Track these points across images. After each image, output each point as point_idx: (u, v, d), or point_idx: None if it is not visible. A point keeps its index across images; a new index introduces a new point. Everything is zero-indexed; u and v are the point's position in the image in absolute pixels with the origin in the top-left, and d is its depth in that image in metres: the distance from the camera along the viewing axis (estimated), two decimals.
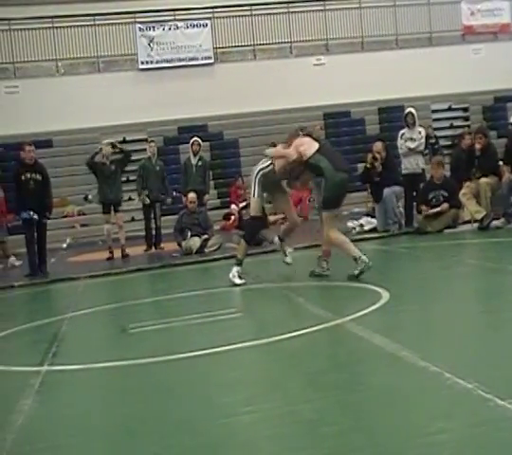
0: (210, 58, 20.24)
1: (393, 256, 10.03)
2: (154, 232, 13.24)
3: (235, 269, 7.98)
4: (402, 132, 12.20)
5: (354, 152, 19.18)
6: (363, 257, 7.29)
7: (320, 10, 20.69)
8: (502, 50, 21.18)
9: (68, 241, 16.64)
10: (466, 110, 21.51)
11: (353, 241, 11.06)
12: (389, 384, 3.80)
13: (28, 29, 19.19)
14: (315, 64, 20.50)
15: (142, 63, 19.96)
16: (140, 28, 19.91)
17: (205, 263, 11.04)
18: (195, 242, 11.97)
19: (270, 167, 8.06)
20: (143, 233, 13.49)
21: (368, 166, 11.98)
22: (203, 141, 14.63)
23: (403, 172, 12.18)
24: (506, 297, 6.14)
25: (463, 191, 11.19)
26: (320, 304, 6.46)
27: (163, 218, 13.55)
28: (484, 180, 11.10)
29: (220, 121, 19.80)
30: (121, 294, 9.25)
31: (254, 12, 20.32)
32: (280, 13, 20.52)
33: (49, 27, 19.37)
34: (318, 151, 7.60)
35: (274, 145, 8.93)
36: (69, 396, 4.47)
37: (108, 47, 19.57)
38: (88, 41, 19.45)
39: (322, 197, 7.81)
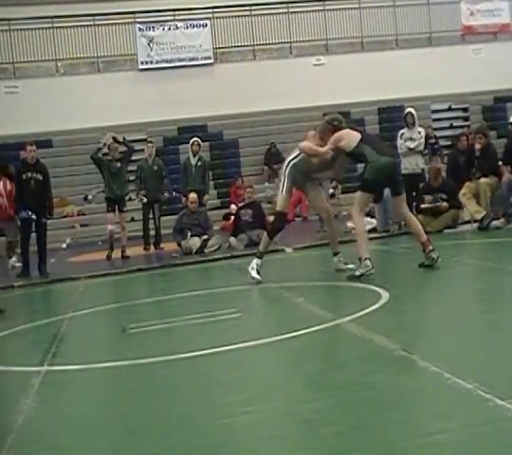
0: (209, 58, 20.26)
1: (393, 256, 10.02)
2: (153, 232, 13.23)
3: (255, 261, 7.85)
4: (402, 132, 12.20)
5: None
6: (368, 262, 7.21)
7: (319, 11, 20.72)
8: (502, 50, 21.20)
9: (68, 241, 16.64)
10: (465, 110, 21.52)
11: (353, 241, 11.13)
12: (389, 384, 3.80)
13: (28, 29, 19.21)
14: (315, 65, 20.51)
15: (142, 63, 19.98)
16: (140, 29, 19.93)
17: (205, 263, 11.04)
18: (195, 242, 11.97)
19: (300, 156, 7.77)
20: (142, 233, 13.46)
21: None
22: (203, 141, 14.63)
23: (402, 172, 12.13)
24: (506, 297, 6.14)
25: (462, 191, 11.19)
26: (321, 304, 6.45)
27: (163, 218, 13.55)
28: (483, 180, 11.10)
29: (220, 121, 19.81)
30: (121, 294, 9.25)
31: (254, 12, 20.34)
32: (280, 13, 20.54)
33: (49, 28, 19.39)
34: (361, 141, 7.37)
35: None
36: (69, 396, 4.47)
37: (108, 48, 19.59)
38: (88, 41, 19.47)
39: (363, 179, 7.55)
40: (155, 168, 13.28)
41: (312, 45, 20.77)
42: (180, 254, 11.90)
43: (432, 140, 18.25)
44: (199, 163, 13.37)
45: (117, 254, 12.48)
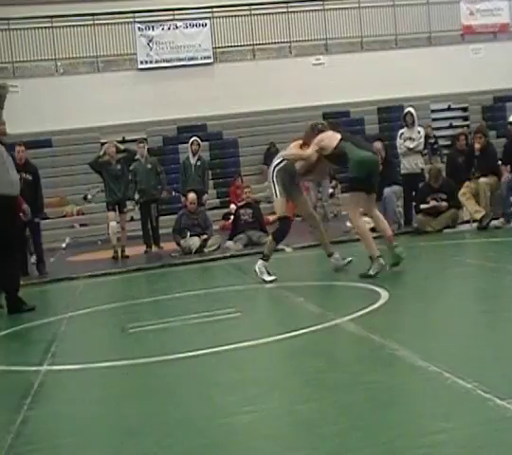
0: (209, 58, 20.26)
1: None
2: (151, 232, 13.19)
3: (260, 263, 7.85)
4: (401, 131, 12.21)
5: None
6: (381, 260, 7.25)
7: (319, 10, 20.71)
8: (502, 50, 21.21)
9: (67, 240, 16.64)
10: (465, 110, 21.53)
11: (352, 241, 11.13)
12: (388, 384, 3.80)
13: (28, 29, 19.20)
14: (314, 64, 20.51)
15: (141, 62, 19.97)
16: (140, 28, 19.93)
17: (204, 262, 11.04)
18: (195, 242, 11.97)
19: (284, 162, 7.83)
20: (141, 233, 13.42)
21: None
22: (202, 141, 14.62)
23: (402, 171, 12.18)
24: (506, 296, 6.15)
25: (462, 190, 11.19)
26: (320, 304, 6.46)
27: (162, 218, 13.52)
28: (483, 180, 11.10)
29: (219, 121, 19.81)
30: (121, 294, 9.25)
31: (253, 12, 20.34)
32: (279, 13, 20.54)
33: (48, 27, 19.38)
34: (341, 140, 7.43)
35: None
36: (69, 396, 4.47)
37: (107, 47, 19.59)
38: (87, 40, 19.46)
39: (350, 179, 7.60)
40: (150, 166, 13.18)
41: (311, 44, 20.78)
42: (179, 254, 11.90)
43: (432, 140, 18.28)
44: (198, 163, 13.36)
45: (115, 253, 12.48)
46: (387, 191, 11.66)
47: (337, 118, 20.22)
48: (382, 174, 11.66)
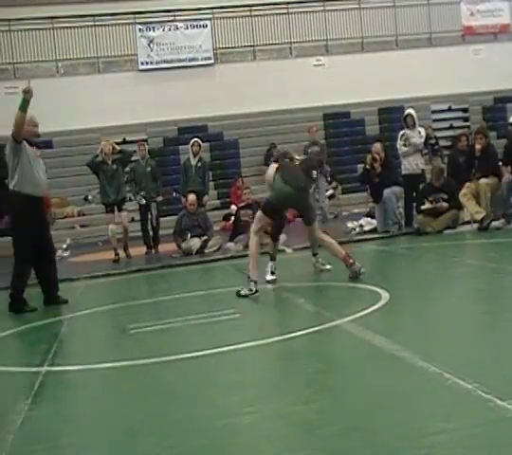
0: (209, 58, 20.25)
1: (393, 257, 10.03)
2: (151, 233, 13.16)
3: (270, 264, 8.15)
4: (402, 132, 12.21)
5: (353, 152, 19.23)
6: (253, 285, 7.21)
7: (319, 11, 20.70)
8: (502, 51, 21.18)
9: (68, 241, 16.63)
10: (465, 111, 21.52)
11: (353, 241, 11.16)
12: (388, 384, 3.80)
13: (28, 30, 19.18)
14: (315, 65, 20.50)
15: (142, 63, 19.96)
16: (140, 29, 19.92)
17: (205, 263, 11.04)
18: (195, 243, 11.97)
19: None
20: (142, 235, 13.38)
21: (367, 167, 11.99)
22: (203, 142, 14.62)
23: (403, 172, 12.19)
24: (506, 297, 6.15)
25: (463, 191, 11.20)
26: (320, 305, 6.46)
27: (162, 219, 13.49)
28: (483, 181, 11.10)
29: (220, 122, 19.80)
30: (121, 294, 9.24)
31: (254, 13, 20.33)
32: (279, 14, 20.52)
33: (49, 28, 19.38)
34: (276, 171, 7.86)
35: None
36: (69, 397, 4.47)
37: (108, 48, 19.58)
38: (88, 41, 19.45)
39: (265, 200, 8.09)
40: (149, 169, 13.18)
41: (312, 45, 20.76)
42: (180, 255, 11.89)
43: (432, 141, 18.26)
44: (199, 164, 13.34)
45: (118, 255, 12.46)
46: (387, 192, 11.67)
47: (337, 118, 20.32)
48: (381, 175, 11.77)
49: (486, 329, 5.00)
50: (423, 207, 11.34)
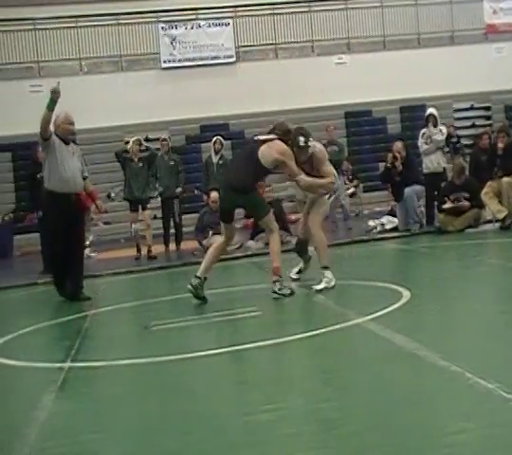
0: (231, 57, 20.27)
1: (414, 255, 10.01)
2: (173, 230, 13.19)
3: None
4: (423, 131, 12.17)
5: (375, 151, 19.15)
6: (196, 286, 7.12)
7: (341, 9, 20.65)
8: None
9: (91, 238, 16.74)
10: (488, 109, 21.36)
11: (374, 240, 11.14)
12: (409, 383, 3.81)
13: (53, 29, 19.32)
14: (336, 63, 20.45)
15: (165, 61, 20.02)
16: (163, 28, 19.98)
17: (226, 261, 11.04)
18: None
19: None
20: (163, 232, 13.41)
21: (388, 165, 11.96)
22: (225, 140, 14.64)
23: (424, 171, 12.15)
24: None
25: (485, 190, 11.14)
26: (341, 303, 6.47)
27: (184, 216, 13.52)
28: (506, 179, 11.04)
29: (241, 120, 19.80)
30: (143, 291, 9.30)
31: (276, 11, 20.32)
32: (301, 12, 20.50)
33: (73, 27, 19.48)
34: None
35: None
36: (91, 393, 4.52)
37: (131, 46, 19.67)
38: (111, 40, 19.55)
39: None
40: (172, 163, 13.23)
41: (334, 43, 20.71)
42: (201, 252, 11.92)
43: (454, 139, 18.16)
44: (221, 162, 13.38)
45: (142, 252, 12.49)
46: (408, 190, 11.64)
47: (359, 117, 20.25)
48: (403, 174, 11.73)
49: (508, 328, 4.97)
50: (444, 205, 11.30)
